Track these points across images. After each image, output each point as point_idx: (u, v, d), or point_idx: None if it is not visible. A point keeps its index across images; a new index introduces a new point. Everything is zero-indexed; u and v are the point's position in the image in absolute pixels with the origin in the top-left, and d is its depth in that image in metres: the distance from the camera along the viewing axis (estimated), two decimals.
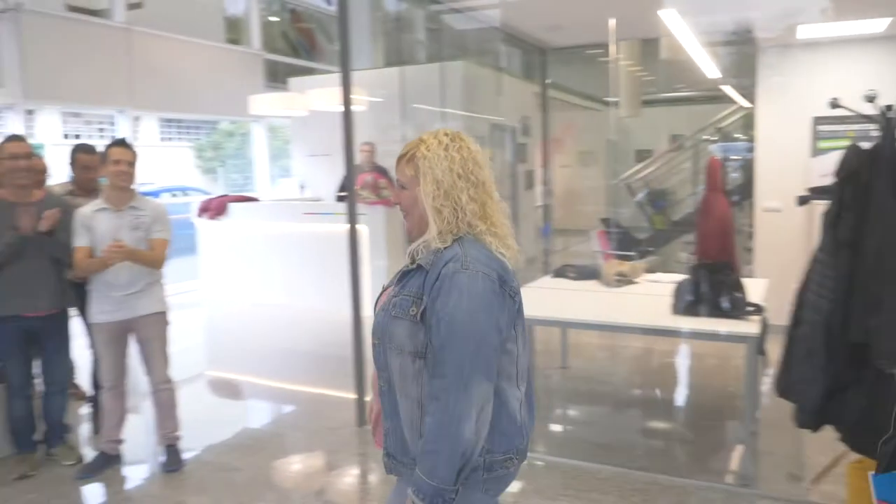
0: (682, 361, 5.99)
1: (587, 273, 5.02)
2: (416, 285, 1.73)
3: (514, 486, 3.61)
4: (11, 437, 3.98)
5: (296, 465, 4.12)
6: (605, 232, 7.92)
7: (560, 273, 5.15)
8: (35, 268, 3.73)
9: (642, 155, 11.17)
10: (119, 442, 3.97)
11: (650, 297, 4.42)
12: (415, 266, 1.76)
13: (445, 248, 1.71)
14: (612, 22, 6.40)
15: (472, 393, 1.60)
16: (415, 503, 1.62)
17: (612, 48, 7.12)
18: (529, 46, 8.59)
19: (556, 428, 4.69)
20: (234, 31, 12.68)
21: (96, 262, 3.65)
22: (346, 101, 4.44)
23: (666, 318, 3.87)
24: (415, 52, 11.48)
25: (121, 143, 3.81)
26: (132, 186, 3.80)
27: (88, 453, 4.12)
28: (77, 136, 16.79)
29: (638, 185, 9.69)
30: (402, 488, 1.82)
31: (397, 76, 6.31)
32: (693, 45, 6.68)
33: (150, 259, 3.75)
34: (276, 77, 12.40)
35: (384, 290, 1.87)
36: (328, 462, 4.08)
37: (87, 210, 3.73)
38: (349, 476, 3.95)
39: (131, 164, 3.76)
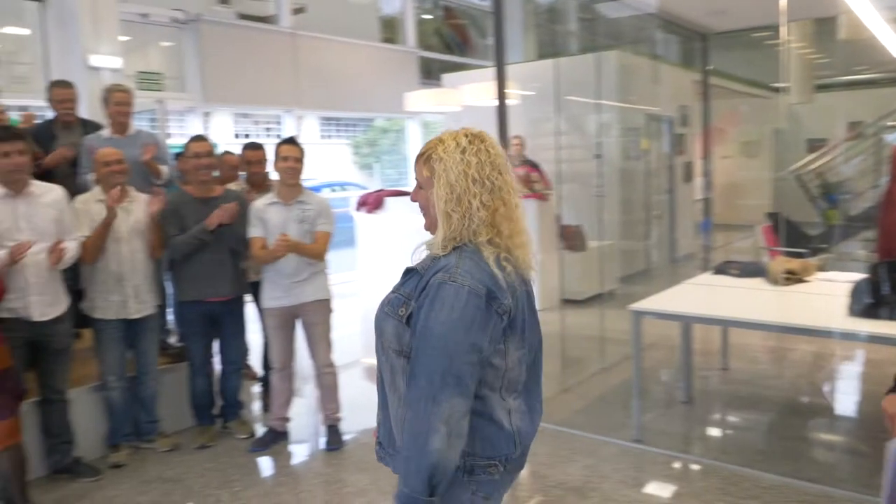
0: (857, 368, 5.53)
1: (751, 270, 4.75)
2: (410, 287, 1.72)
3: (668, 489, 3.50)
4: (193, 410, 4.37)
5: None
6: (772, 227, 7.44)
7: (721, 270, 4.91)
8: (215, 257, 4.07)
9: (815, 144, 10.39)
10: (286, 420, 4.25)
11: (823, 297, 4.11)
12: (414, 266, 1.76)
13: (442, 255, 1.69)
14: (782, 2, 6.00)
15: (442, 406, 1.58)
16: None
17: (783, 30, 6.66)
18: (689, 32, 8.23)
19: (713, 431, 4.48)
20: (390, 30, 13.11)
21: (267, 253, 3.92)
22: (501, 96, 4.47)
23: (841, 320, 3.59)
24: (567, 44, 11.33)
25: (289, 140, 4.06)
26: (300, 182, 4.04)
27: (259, 429, 4.45)
28: (247, 136, 18.07)
29: (809, 178, 9.03)
30: None
31: (550, 68, 6.26)
32: (877, 23, 6.12)
33: (313, 251, 3.98)
34: (430, 74, 12.69)
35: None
36: None
37: (261, 203, 4.02)
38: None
39: (298, 160, 4.00)
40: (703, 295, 4.37)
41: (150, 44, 9.65)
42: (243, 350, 4.57)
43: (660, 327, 4.82)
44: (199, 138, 4.20)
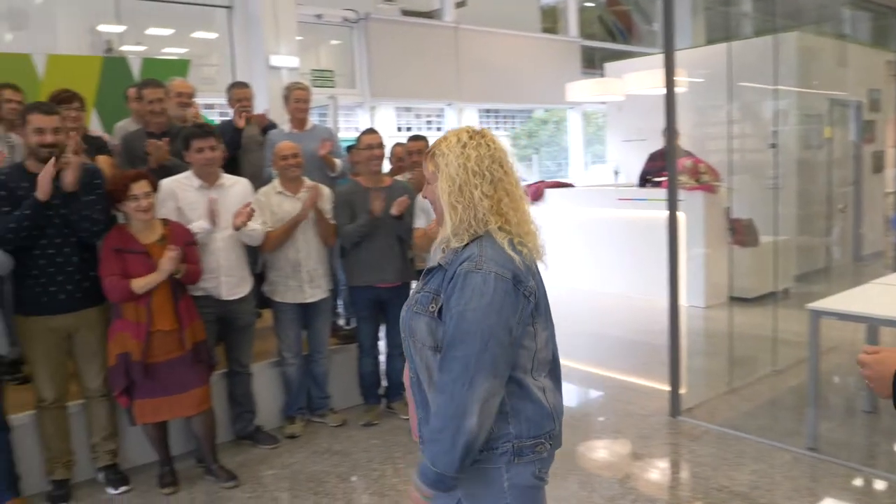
0: None
1: None
2: (436, 283, 1.78)
3: None
4: (360, 389, 4.62)
5: (602, 448, 4.17)
6: None
7: None
8: (384, 245, 4.26)
9: None
10: None
11: None
12: (437, 265, 1.81)
13: (464, 246, 1.75)
14: None
15: (477, 389, 1.65)
16: (417, 486, 1.72)
17: None
18: (882, 8, 7.51)
19: None
20: (550, 20, 13.00)
21: (427, 240, 4.06)
22: (669, 83, 4.32)
23: None
24: (741, 26, 10.71)
25: (370, 131, 4.23)
26: None
27: None
28: (409, 129, 18.64)
29: None
30: None
31: (722, 53, 5.95)
32: None
33: None
34: (592, 63, 12.47)
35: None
36: (635, 450, 4.06)
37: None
38: (656, 467, 3.89)
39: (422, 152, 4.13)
40: (893, 296, 4.00)
41: (322, 43, 10.22)
42: None
43: (841, 330, 4.47)
44: (370, 131, 4.41)
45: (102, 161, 4.12)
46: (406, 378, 1.92)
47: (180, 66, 6.83)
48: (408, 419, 4.43)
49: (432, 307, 1.76)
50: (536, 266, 1.83)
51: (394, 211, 4.15)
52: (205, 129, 3.97)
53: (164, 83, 4.55)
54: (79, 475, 3.76)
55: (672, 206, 4.40)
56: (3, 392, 3.49)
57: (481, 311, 1.67)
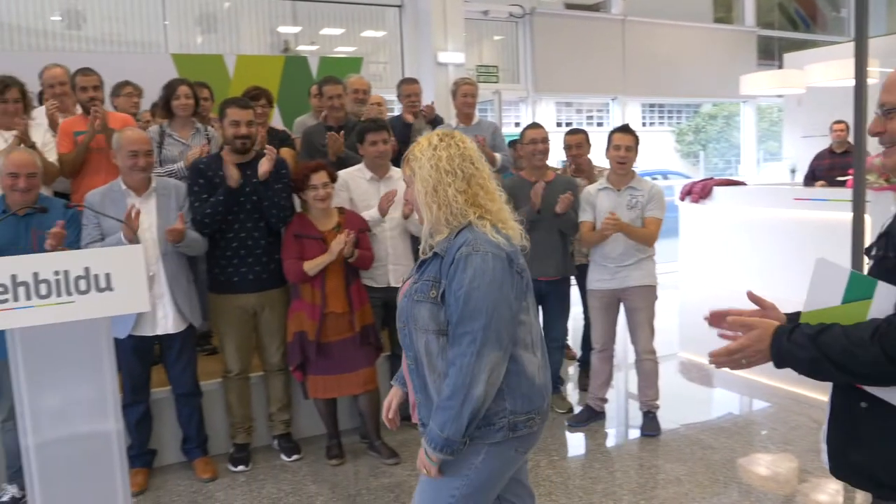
0: None
1: None
2: (433, 271, 1.92)
3: None
4: None
5: (767, 460, 3.95)
6: None
7: None
8: (545, 239, 4.27)
9: None
10: (604, 401, 4.34)
11: None
12: (431, 254, 1.94)
13: (456, 235, 1.89)
14: None
15: (484, 359, 1.81)
16: (427, 452, 1.88)
17: None
18: None
19: None
20: (724, 9, 12.38)
21: (596, 235, 4.03)
22: (860, 74, 4.00)
23: None
24: None
25: (622, 129, 4.12)
26: (631, 168, 4.08)
27: (577, 406, 4.60)
28: (568, 124, 18.51)
29: None
30: None
31: None
32: None
33: (642, 235, 3.99)
34: (769, 54, 11.75)
35: (405, 281, 2.06)
36: (802, 465, 3.81)
37: (592, 189, 4.14)
38: (826, 490, 3.62)
39: (629, 148, 4.04)
40: None
41: (484, 38, 10.35)
42: (565, 329, 4.76)
43: None
44: (535, 126, 4.44)
45: (285, 153, 4.44)
46: (404, 365, 2.06)
47: (354, 64, 7.21)
48: (563, 413, 4.47)
49: (433, 293, 1.90)
50: (519, 248, 1.97)
51: (558, 209, 4.15)
52: (378, 124, 4.17)
53: (342, 80, 4.82)
54: (257, 441, 4.10)
55: (858, 207, 4.08)
56: (196, 361, 3.87)
57: (484, 288, 1.83)
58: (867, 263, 1.64)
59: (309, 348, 3.71)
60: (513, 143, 5.42)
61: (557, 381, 4.67)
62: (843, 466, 1.57)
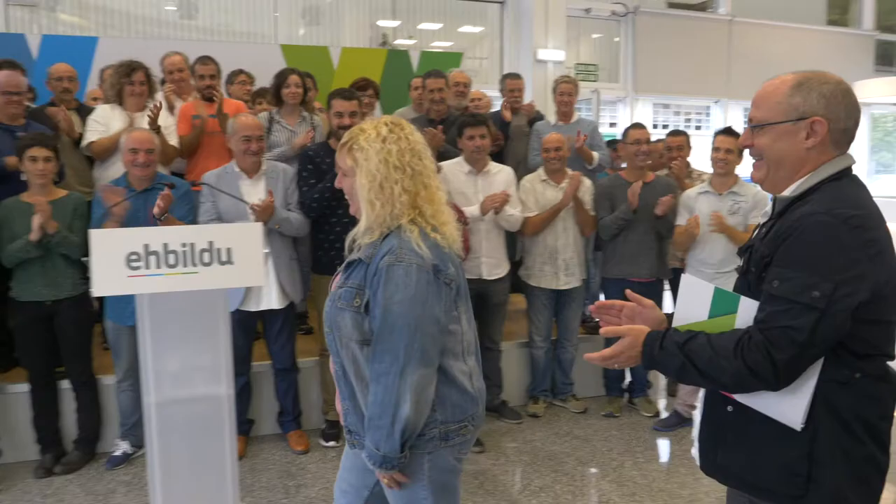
0: None
1: None
2: (359, 277, 1.80)
3: None
4: (604, 381, 4.67)
5: None
6: None
7: None
8: (641, 239, 4.25)
9: None
10: (692, 407, 4.28)
11: None
12: (356, 258, 1.82)
13: (383, 240, 1.77)
14: None
15: (408, 379, 1.72)
16: (370, 467, 1.82)
17: None
18: None
19: None
20: (838, 10, 11.83)
21: (684, 235, 4.00)
22: None
23: None
24: None
25: (725, 131, 4.06)
26: (734, 172, 4.00)
27: (663, 411, 4.56)
28: (665, 126, 18.06)
29: None
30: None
31: None
32: None
33: (743, 240, 3.90)
34: (888, 59, 11.16)
35: (334, 276, 1.94)
36: None
37: (692, 192, 4.09)
38: None
39: (730, 150, 3.97)
40: None
41: (583, 36, 10.27)
42: None
43: None
44: (638, 126, 4.41)
45: None
46: (331, 369, 1.96)
47: (454, 59, 7.32)
48: (649, 416, 4.43)
49: (356, 302, 1.78)
50: (455, 253, 1.86)
51: (658, 211, 4.12)
52: (477, 119, 4.24)
53: (445, 74, 4.91)
54: None
55: None
56: (295, 338, 4.05)
57: (407, 303, 1.72)
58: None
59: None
60: (611, 143, 5.39)
61: (645, 384, 4.63)
62: (712, 465, 1.67)
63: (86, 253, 3.66)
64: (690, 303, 1.61)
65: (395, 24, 9.51)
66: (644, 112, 10.27)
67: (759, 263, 1.54)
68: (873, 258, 1.45)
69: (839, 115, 1.55)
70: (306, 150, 4.00)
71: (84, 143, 4.22)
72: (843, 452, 1.49)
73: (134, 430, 3.85)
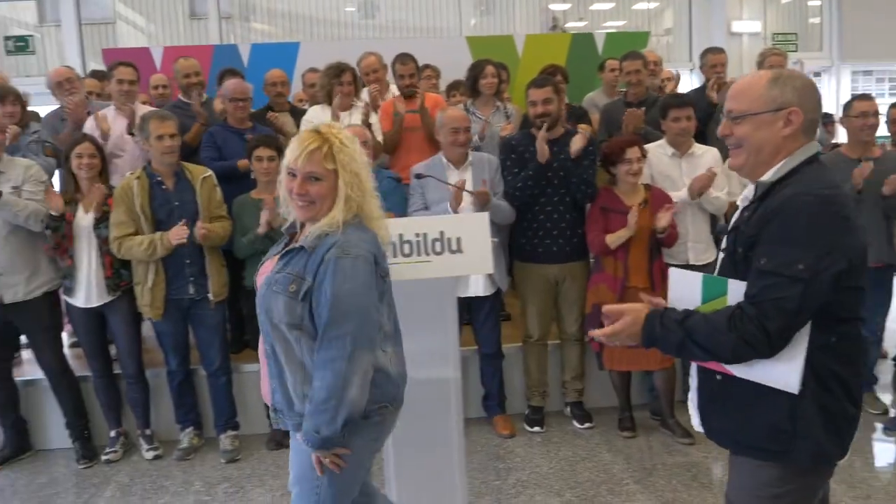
0: None
1: None
2: (299, 266, 1.95)
3: None
4: None
5: None
6: None
7: None
8: (868, 221, 3.90)
9: None
10: None
11: None
12: (298, 246, 1.99)
13: (329, 233, 1.93)
14: None
15: (357, 362, 1.89)
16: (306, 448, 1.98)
17: None
18: None
19: None
20: None
21: None
22: None
23: None
24: None
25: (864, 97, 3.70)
26: None
27: (892, 409, 4.18)
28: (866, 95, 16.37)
29: None
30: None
31: None
32: None
33: None
34: None
35: (264, 261, 2.12)
36: None
37: None
38: None
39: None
40: None
41: (771, 3, 9.55)
42: (883, 323, 4.30)
43: None
44: (865, 97, 4.07)
45: (582, 128, 4.53)
46: (261, 350, 2.09)
47: (641, 38, 7.09)
48: (877, 413, 4.08)
49: (292, 288, 1.92)
50: (384, 247, 2.07)
51: (886, 191, 3.78)
52: (682, 99, 4.10)
53: (642, 54, 4.77)
54: (550, 405, 4.28)
55: None
56: (500, 324, 4.13)
57: (354, 292, 1.89)
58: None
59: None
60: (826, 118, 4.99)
61: (871, 380, 4.26)
62: (710, 429, 1.85)
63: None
64: (681, 294, 1.77)
65: (566, 6, 9.38)
66: (843, 81, 9.39)
67: (746, 243, 1.68)
68: (848, 231, 1.63)
69: (810, 107, 1.72)
70: (508, 140, 4.07)
71: None
72: (823, 409, 1.67)
73: None
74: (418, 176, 3.77)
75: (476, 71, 4.70)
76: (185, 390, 4.08)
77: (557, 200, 3.88)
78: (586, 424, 4.11)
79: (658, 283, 3.75)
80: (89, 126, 4.31)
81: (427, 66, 5.64)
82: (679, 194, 3.89)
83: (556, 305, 4.07)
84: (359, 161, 2.00)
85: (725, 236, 1.81)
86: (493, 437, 4.06)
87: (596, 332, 1.80)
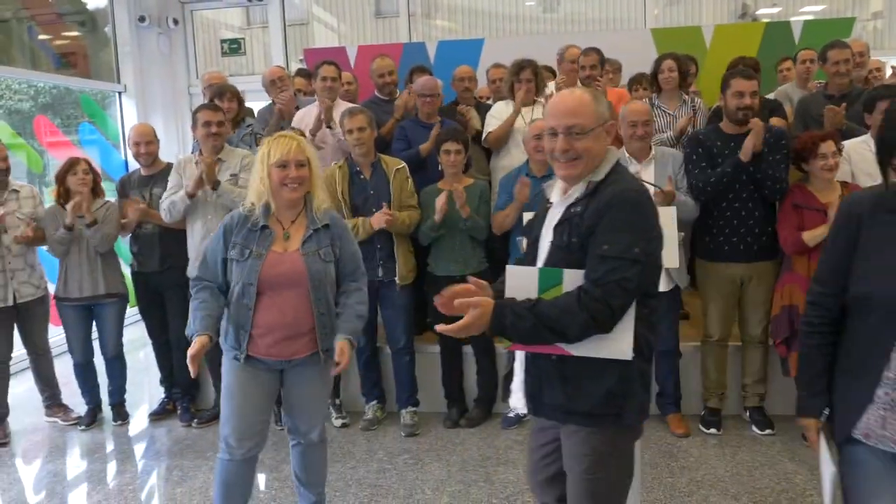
0: None
1: None
2: (326, 239, 2.78)
3: None
4: None
5: None
6: None
7: None
8: None
9: None
10: None
11: None
12: (321, 225, 2.78)
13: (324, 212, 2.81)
14: None
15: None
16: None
17: None
18: None
19: None
20: None
21: None
22: None
23: None
24: None
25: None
26: None
27: None
28: None
29: None
30: None
31: None
32: None
33: None
34: None
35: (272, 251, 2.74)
36: None
37: None
38: None
39: None
40: None
41: None
42: None
43: None
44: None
45: (775, 122, 4.33)
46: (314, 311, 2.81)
47: (845, 26, 6.59)
48: None
49: (332, 256, 2.81)
50: None
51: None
52: (892, 91, 3.80)
53: (848, 44, 4.47)
54: (728, 408, 4.16)
55: None
56: (678, 323, 4.07)
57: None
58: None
59: (798, 322, 3.62)
60: None
61: None
62: (540, 406, 2.03)
63: (489, 234, 4.17)
64: (519, 288, 1.91)
65: None
66: None
67: (583, 234, 1.90)
68: (656, 218, 1.95)
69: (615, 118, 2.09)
70: (696, 134, 3.98)
71: (484, 136, 4.70)
72: (640, 371, 1.97)
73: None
74: None
75: (656, 65, 4.64)
76: (371, 366, 4.40)
77: (746, 197, 3.74)
78: (767, 431, 3.95)
79: None
80: (296, 120, 4.74)
81: (606, 61, 5.61)
82: None
83: (740, 306, 3.95)
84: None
85: (552, 231, 2.00)
86: (667, 434, 4.02)
87: (443, 328, 1.88)
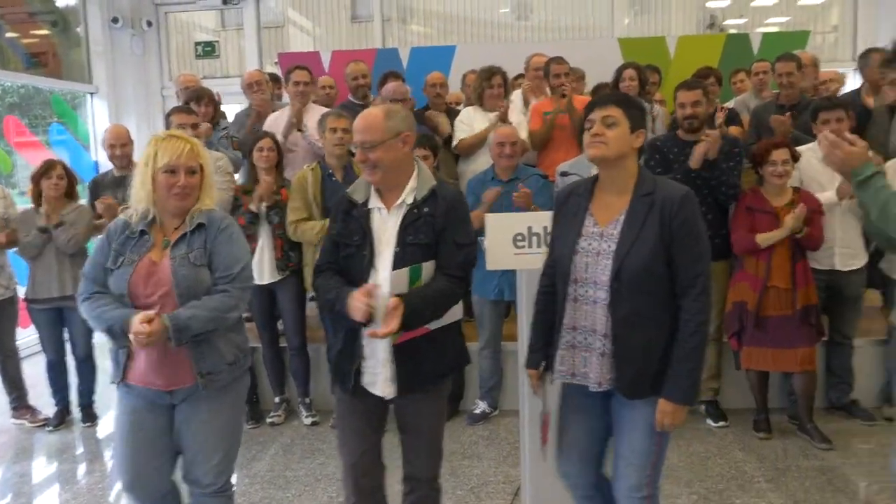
0: None
1: None
2: (202, 238, 2.49)
3: None
4: None
5: None
6: None
7: None
8: None
9: None
10: None
11: None
12: (195, 225, 2.49)
13: (202, 211, 2.52)
14: None
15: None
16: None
17: None
18: None
19: None
20: None
21: None
22: None
23: None
24: None
25: None
26: None
27: None
28: None
29: None
30: None
31: None
32: None
33: None
34: None
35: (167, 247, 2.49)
36: None
37: None
38: None
39: None
40: None
41: None
42: None
43: None
44: None
45: (733, 131, 4.55)
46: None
47: (800, 38, 6.87)
48: None
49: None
50: None
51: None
52: (833, 102, 4.05)
53: (797, 56, 4.70)
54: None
55: None
56: None
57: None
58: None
59: (747, 318, 3.83)
60: None
61: None
62: (406, 384, 2.36)
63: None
64: (397, 285, 2.24)
65: (725, 3, 9.11)
66: None
67: (437, 231, 2.31)
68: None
69: (413, 129, 2.39)
70: (653, 140, 4.17)
71: (455, 142, 4.85)
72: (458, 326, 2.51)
73: (491, 393, 4.40)
74: (563, 174, 3.98)
75: (617, 74, 4.85)
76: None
77: (699, 201, 3.90)
78: (720, 423, 4.16)
79: (800, 284, 3.76)
80: (269, 123, 4.85)
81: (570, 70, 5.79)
82: (827, 195, 3.86)
83: None
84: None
85: (401, 230, 2.34)
86: None
87: (374, 334, 2.22)
